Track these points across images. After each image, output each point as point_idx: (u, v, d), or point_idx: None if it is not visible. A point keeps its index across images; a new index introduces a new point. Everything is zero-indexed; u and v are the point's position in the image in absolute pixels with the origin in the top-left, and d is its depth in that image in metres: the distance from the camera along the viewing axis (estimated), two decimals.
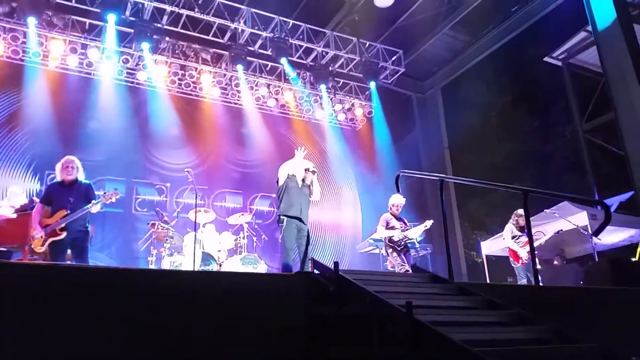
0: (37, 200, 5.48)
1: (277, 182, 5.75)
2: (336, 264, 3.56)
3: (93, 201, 5.03)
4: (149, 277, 3.50)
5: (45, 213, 4.97)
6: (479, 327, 3.14)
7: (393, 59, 10.42)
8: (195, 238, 6.47)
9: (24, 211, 5.55)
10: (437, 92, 12.25)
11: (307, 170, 5.73)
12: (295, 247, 5.51)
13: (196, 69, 9.52)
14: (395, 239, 6.52)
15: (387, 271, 6.58)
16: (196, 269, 6.09)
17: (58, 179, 5.15)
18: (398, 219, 6.70)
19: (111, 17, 8.33)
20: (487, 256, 10.13)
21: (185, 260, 6.72)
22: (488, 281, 9.29)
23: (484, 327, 3.14)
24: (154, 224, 7.12)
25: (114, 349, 2.78)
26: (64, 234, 4.83)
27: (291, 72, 10.04)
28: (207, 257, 6.75)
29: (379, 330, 3.04)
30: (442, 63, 11.88)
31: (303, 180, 5.71)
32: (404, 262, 6.36)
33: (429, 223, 6.60)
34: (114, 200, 5.25)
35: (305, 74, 10.53)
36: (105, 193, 5.24)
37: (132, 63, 9.13)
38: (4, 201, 6.19)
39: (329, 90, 10.60)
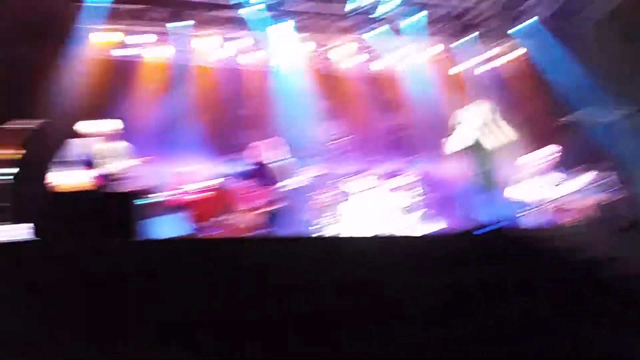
0: (219, 182, 6.21)
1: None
2: (508, 221, 3.43)
3: (295, 177, 5.69)
4: (326, 244, 3.74)
5: (249, 188, 5.69)
6: None
7: None
8: (357, 204, 6.65)
9: (207, 193, 6.28)
10: (605, 19, 10.62)
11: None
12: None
13: (335, 40, 9.64)
14: (540, 198, 6.28)
15: (566, 225, 6.06)
16: (361, 235, 6.32)
17: (253, 159, 5.88)
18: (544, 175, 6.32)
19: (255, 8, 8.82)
20: None
21: (350, 227, 6.97)
22: None
23: None
24: (317, 194, 7.47)
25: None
26: (269, 207, 5.54)
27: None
28: (370, 223, 6.92)
29: (558, 289, 2.86)
30: None
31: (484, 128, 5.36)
32: None
33: (587, 176, 6.19)
34: (314, 176, 5.83)
35: (446, 26, 9.99)
36: (304, 169, 5.82)
37: (275, 46, 9.58)
38: (191, 186, 7.09)
39: (474, 38, 9.95)
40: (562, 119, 5.04)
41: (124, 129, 7.35)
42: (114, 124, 5.74)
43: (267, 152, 5.86)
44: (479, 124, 5.28)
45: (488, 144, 5.24)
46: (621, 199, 6.65)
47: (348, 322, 2.94)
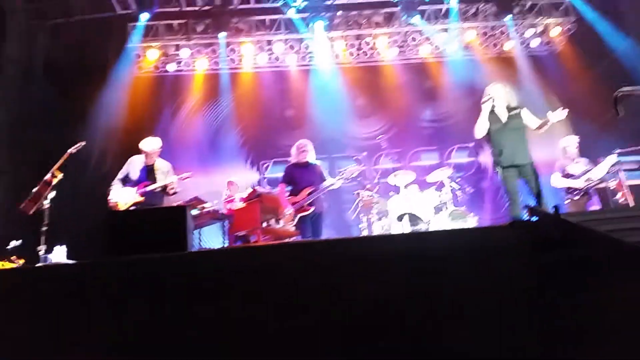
0: (259, 189, 6.32)
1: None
2: (556, 207, 3.25)
3: (337, 177, 5.71)
4: (364, 244, 3.71)
5: (292, 191, 5.75)
6: None
7: None
8: (399, 201, 6.59)
9: (250, 199, 6.38)
10: None
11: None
12: (520, 191, 4.90)
13: (371, 34, 9.58)
14: (578, 186, 5.96)
15: (619, 207, 5.76)
16: (406, 231, 6.24)
17: (293, 160, 5.91)
18: (577, 161, 6.13)
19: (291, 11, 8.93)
20: None
21: (394, 223, 6.91)
22: None
23: None
24: (358, 193, 7.45)
25: (352, 310, 3.01)
26: (311, 209, 5.56)
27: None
28: (414, 218, 6.83)
29: (615, 274, 2.70)
30: None
31: (512, 111, 5.03)
32: None
33: (612, 158, 5.81)
34: (355, 175, 5.84)
35: (485, 6, 9.67)
36: (346, 169, 5.82)
37: (312, 47, 9.62)
38: (236, 194, 7.25)
39: (516, 16, 9.56)
40: (617, 92, 4.69)
41: (170, 143, 7.63)
42: (159, 141, 5.93)
43: (309, 152, 5.85)
44: (503, 104, 4.99)
45: (514, 125, 4.95)
46: None
47: (406, 321, 2.92)
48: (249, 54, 9.59)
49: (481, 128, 5.01)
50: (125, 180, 5.83)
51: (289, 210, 5.55)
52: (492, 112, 5.04)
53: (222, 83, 9.81)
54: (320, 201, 5.71)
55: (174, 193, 5.92)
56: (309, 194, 5.60)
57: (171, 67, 9.62)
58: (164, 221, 3.78)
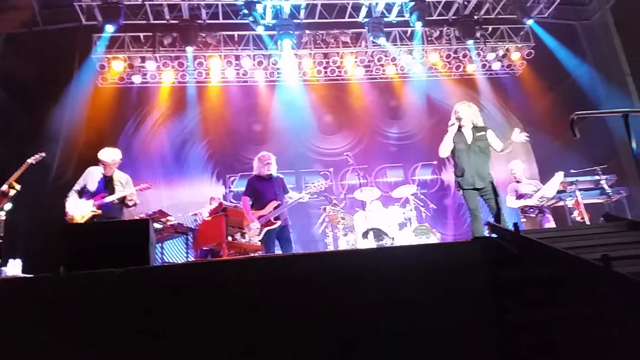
0: (225, 203, 6.24)
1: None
2: (516, 225, 3.35)
3: (304, 192, 5.68)
4: (331, 258, 3.72)
5: (257, 206, 5.68)
6: None
7: None
8: (365, 216, 6.65)
9: (216, 213, 6.31)
10: (606, 14, 10.58)
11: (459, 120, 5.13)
12: (482, 209, 5.02)
13: (338, 53, 9.72)
14: (532, 203, 6.37)
15: (576, 225, 5.99)
16: (371, 246, 6.28)
17: (256, 173, 5.85)
18: (526, 182, 6.59)
19: (259, 28, 8.97)
20: None
21: (360, 239, 6.96)
22: None
23: None
24: (325, 208, 7.49)
25: (317, 323, 3.00)
26: (277, 223, 5.50)
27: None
28: (379, 233, 6.89)
29: (573, 290, 2.79)
30: None
31: (476, 133, 5.11)
32: None
33: (559, 176, 6.25)
34: (322, 189, 5.82)
35: (449, 30, 9.98)
36: (314, 183, 5.80)
37: (280, 63, 9.67)
38: (204, 209, 7.14)
39: (478, 40, 9.91)
40: (573, 114, 4.85)
41: (133, 155, 7.44)
42: (119, 152, 5.78)
43: (272, 164, 5.81)
44: (469, 125, 5.08)
45: (478, 146, 5.04)
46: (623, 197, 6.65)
47: (370, 334, 2.93)
48: (217, 68, 9.55)
49: (446, 148, 5.08)
50: (82, 192, 5.63)
51: (255, 225, 5.49)
52: (458, 131, 5.12)
53: (188, 96, 9.72)
54: (285, 215, 5.67)
55: (134, 205, 5.78)
56: (275, 207, 5.55)
57: (137, 79, 9.47)
58: (125, 234, 3.69)
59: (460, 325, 3.04)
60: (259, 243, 5.53)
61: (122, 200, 5.66)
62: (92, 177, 5.67)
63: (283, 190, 5.79)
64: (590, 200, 6.49)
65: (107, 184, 5.66)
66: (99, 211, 5.51)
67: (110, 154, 5.73)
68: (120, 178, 5.75)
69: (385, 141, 10.33)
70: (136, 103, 9.60)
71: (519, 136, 5.01)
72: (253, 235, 5.51)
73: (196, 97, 9.76)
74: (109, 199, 5.54)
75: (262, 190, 5.65)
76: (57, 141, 8.08)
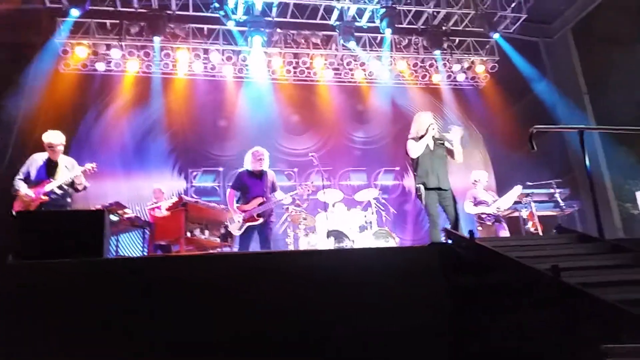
0: (186, 198, 6.13)
1: (407, 151, 5.39)
2: (471, 232, 3.44)
3: (288, 194, 5.67)
4: (291, 258, 3.72)
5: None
6: (637, 285, 2.81)
7: (512, 5, 9.59)
8: (326, 217, 6.68)
9: (176, 208, 6.19)
10: (567, 34, 11.00)
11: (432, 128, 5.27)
12: (440, 215, 5.17)
13: (308, 54, 9.73)
14: (490, 211, 6.64)
15: (530, 235, 6.20)
16: (331, 247, 6.31)
17: (248, 168, 5.79)
18: (485, 192, 6.89)
19: (230, 23, 8.88)
20: None
21: (320, 240, 6.98)
22: None
23: None
24: (287, 208, 7.47)
25: (268, 323, 2.99)
26: (260, 220, 5.45)
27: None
28: (339, 235, 6.94)
29: (524, 298, 2.88)
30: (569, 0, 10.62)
31: (437, 142, 5.29)
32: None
33: (518, 189, 6.53)
34: (309, 191, 5.80)
35: (417, 39, 10.15)
36: (301, 185, 5.79)
37: (249, 60, 9.60)
38: (163, 203, 6.99)
39: (445, 51, 10.12)
40: (532, 128, 5.02)
41: (93, 144, 7.17)
42: (63, 136, 5.56)
43: (265, 161, 5.79)
44: (429, 134, 5.25)
45: (438, 152, 5.23)
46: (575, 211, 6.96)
47: (324, 335, 2.94)
48: (184, 61, 9.38)
49: (420, 149, 5.20)
50: (27, 180, 5.43)
51: (238, 217, 5.46)
52: (422, 137, 5.25)
53: (153, 87, 9.50)
54: (269, 212, 5.65)
55: (84, 188, 5.60)
56: (260, 204, 5.53)
57: (100, 67, 9.20)
58: (79, 224, 3.59)
59: (414, 329, 3.09)
60: (219, 240, 5.49)
61: (72, 185, 5.49)
62: (35, 163, 5.47)
63: (271, 188, 5.77)
64: (544, 212, 6.74)
65: (49, 170, 5.46)
66: (45, 198, 5.32)
67: (54, 136, 5.51)
68: (66, 162, 5.57)
69: (350, 144, 10.41)
70: (98, 91, 9.32)
71: (455, 132, 5.21)
72: (234, 229, 5.49)
73: (161, 89, 9.55)
74: (55, 183, 5.36)
75: (250, 186, 5.64)
76: (13, 128, 7.74)
